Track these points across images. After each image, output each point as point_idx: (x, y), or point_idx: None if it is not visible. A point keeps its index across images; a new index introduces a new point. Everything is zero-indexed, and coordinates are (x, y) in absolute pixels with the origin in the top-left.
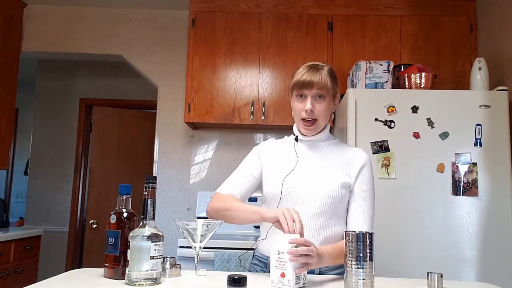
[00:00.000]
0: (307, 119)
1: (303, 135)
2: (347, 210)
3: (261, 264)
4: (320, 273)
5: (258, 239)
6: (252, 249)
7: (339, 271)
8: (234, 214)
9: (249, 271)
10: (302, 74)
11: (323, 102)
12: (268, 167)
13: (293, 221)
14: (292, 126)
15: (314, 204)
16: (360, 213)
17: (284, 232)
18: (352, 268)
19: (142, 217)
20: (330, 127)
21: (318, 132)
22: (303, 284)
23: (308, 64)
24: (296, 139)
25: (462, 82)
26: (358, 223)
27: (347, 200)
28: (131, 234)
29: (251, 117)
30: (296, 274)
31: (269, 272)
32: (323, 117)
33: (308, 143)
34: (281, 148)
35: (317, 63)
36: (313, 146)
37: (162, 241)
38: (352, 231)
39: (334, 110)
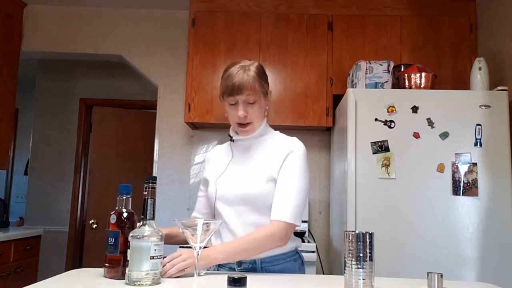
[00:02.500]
0: (242, 124)
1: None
2: None
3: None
4: (262, 269)
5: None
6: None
7: (282, 266)
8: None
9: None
10: (230, 79)
11: (255, 105)
12: (209, 171)
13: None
14: (292, 125)
15: (244, 202)
16: (279, 203)
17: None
18: (352, 268)
19: (142, 217)
20: (330, 127)
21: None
22: None
23: (235, 66)
24: (232, 140)
25: (462, 82)
26: (277, 213)
27: None
28: (131, 234)
29: None
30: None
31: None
32: (258, 118)
33: (243, 142)
34: (222, 151)
35: (244, 63)
36: (248, 144)
37: (162, 241)
38: (352, 231)
39: (267, 107)
